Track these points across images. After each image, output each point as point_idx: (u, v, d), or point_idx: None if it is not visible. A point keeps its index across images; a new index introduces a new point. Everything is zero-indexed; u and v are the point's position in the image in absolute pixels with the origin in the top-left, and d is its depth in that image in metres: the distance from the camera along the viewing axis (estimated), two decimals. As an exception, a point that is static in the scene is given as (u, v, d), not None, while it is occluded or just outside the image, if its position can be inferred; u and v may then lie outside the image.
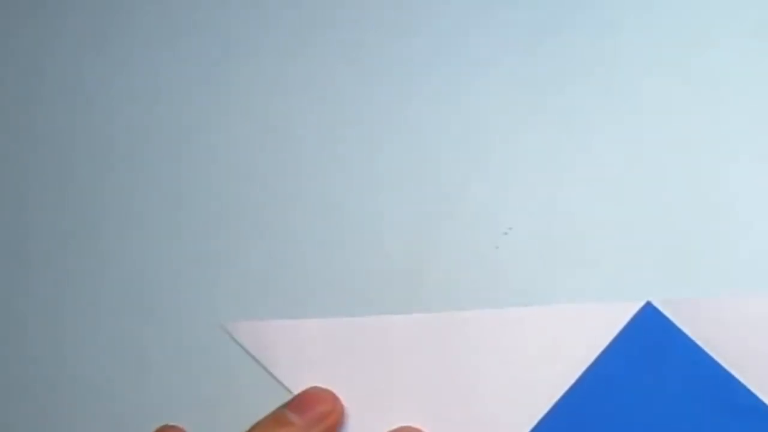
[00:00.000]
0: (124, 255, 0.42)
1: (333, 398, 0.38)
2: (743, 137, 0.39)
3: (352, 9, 0.43)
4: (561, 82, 0.41)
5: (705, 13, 0.40)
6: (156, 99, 0.44)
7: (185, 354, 0.40)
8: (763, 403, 0.35)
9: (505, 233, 0.39)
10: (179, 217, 0.42)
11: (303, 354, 0.39)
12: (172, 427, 0.38)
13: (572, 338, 0.37)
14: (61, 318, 0.42)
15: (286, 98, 0.43)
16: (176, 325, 0.41)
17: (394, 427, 0.37)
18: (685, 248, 0.38)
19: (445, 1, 0.42)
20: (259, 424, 0.37)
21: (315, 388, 0.38)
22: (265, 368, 0.40)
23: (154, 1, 0.45)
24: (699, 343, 0.36)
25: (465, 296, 0.39)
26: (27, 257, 0.42)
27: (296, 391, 0.39)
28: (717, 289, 0.37)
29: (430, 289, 0.39)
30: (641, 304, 0.37)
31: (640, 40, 0.41)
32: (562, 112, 0.41)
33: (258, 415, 0.37)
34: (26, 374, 0.41)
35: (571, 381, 0.36)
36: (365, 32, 0.43)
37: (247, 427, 0.37)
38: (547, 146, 0.40)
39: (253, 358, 0.40)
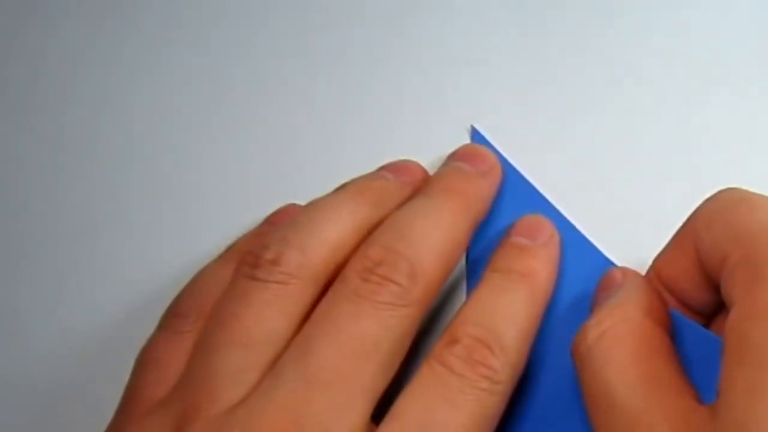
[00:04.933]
0: (123, 255, 0.42)
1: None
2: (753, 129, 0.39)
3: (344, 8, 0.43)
4: (560, 75, 0.41)
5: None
6: (157, 99, 0.44)
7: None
8: None
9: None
10: (179, 217, 0.42)
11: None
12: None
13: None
14: (60, 318, 0.42)
15: (285, 99, 0.43)
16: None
17: None
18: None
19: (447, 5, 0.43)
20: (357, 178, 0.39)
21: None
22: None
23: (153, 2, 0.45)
24: None
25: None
26: (25, 257, 0.43)
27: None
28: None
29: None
30: None
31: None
32: (563, 109, 0.41)
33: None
34: (24, 374, 0.41)
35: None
36: (359, 30, 0.43)
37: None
38: (547, 144, 0.40)
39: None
